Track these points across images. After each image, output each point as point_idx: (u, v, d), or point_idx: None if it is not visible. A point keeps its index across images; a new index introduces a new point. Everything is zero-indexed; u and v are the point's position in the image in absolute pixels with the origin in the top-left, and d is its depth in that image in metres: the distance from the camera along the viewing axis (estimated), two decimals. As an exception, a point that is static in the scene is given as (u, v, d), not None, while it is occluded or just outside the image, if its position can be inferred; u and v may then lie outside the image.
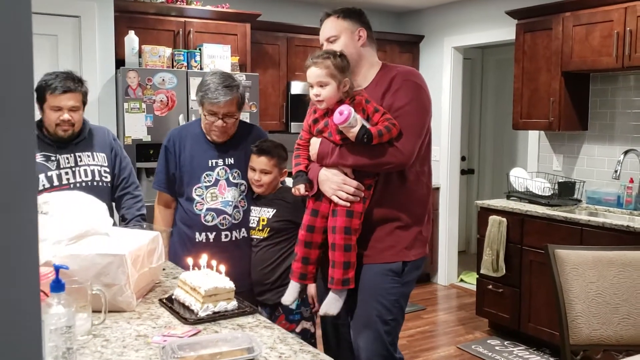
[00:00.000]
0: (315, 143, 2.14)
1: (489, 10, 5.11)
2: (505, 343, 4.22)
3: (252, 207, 2.64)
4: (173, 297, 1.99)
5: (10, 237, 0.67)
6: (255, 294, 2.58)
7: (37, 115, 2.69)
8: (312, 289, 2.40)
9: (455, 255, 5.82)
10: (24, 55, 0.68)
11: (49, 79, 2.58)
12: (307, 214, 2.18)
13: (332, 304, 2.13)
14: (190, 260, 2.02)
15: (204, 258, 2.00)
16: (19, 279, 0.69)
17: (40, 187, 2.57)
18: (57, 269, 1.40)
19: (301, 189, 2.15)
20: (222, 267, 1.96)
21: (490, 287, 4.32)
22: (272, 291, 2.54)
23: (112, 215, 2.78)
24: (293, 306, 2.44)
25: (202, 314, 1.82)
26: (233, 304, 1.89)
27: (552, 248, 2.39)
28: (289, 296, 2.22)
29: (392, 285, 2.16)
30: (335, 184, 2.08)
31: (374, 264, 2.15)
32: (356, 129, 1.97)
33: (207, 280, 1.89)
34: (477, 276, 4.45)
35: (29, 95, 0.68)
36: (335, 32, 2.18)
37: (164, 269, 2.38)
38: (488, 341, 4.26)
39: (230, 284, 1.90)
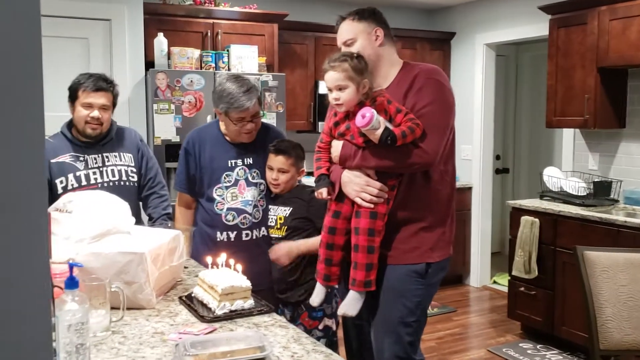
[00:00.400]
0: (337, 145, 2.12)
1: (522, 6, 5.01)
2: (538, 346, 4.12)
3: (269, 206, 2.66)
4: (192, 295, 2.00)
5: (19, 236, 0.70)
6: (277, 292, 2.59)
7: (68, 116, 2.76)
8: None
9: (488, 257, 5.72)
10: (33, 59, 0.71)
11: (82, 78, 2.67)
12: (328, 216, 2.16)
13: (351, 305, 2.11)
14: (209, 259, 2.03)
15: (222, 257, 2.01)
16: (28, 276, 0.72)
17: (69, 187, 2.63)
18: (71, 266, 1.42)
19: (324, 192, 2.12)
20: (239, 266, 1.96)
21: (523, 289, 4.23)
22: (293, 289, 2.55)
23: (139, 214, 2.84)
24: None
25: (218, 312, 1.83)
26: (250, 302, 1.89)
27: (581, 250, 2.32)
28: (316, 298, 2.21)
29: (416, 287, 2.13)
30: (358, 185, 2.05)
31: (398, 265, 2.12)
32: (379, 131, 1.94)
33: (224, 278, 1.89)
34: (509, 278, 4.36)
35: (39, 103, 0.71)
36: (352, 35, 2.15)
37: (186, 267, 2.40)
38: (520, 344, 4.17)
39: (247, 283, 1.90)
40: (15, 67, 0.69)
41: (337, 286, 2.32)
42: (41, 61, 0.71)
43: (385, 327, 2.15)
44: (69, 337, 1.35)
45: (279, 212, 2.61)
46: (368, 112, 1.93)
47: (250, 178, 2.65)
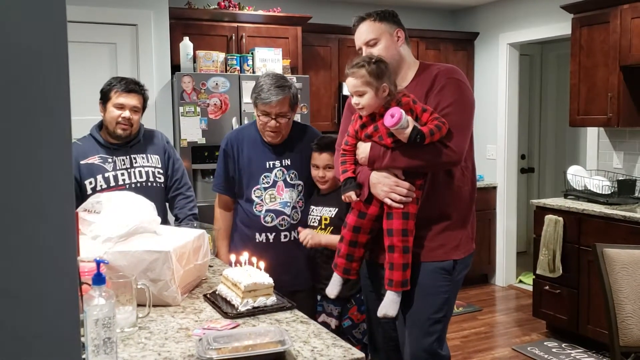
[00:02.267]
0: (364, 147, 2.13)
1: (544, 5, 4.98)
2: (563, 345, 4.10)
3: (312, 207, 2.67)
4: (217, 292, 2.06)
5: (48, 235, 0.75)
6: (323, 289, 2.62)
7: (96, 120, 2.85)
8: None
9: (514, 256, 5.69)
10: (59, 62, 0.73)
11: (114, 81, 2.78)
12: (353, 215, 2.18)
13: (390, 306, 2.11)
14: (232, 257, 2.09)
15: (245, 255, 2.06)
16: (57, 273, 0.78)
17: (98, 188, 2.71)
18: (98, 263, 1.49)
19: (352, 195, 2.13)
20: (262, 264, 2.02)
21: (547, 287, 4.21)
22: (342, 285, 2.55)
23: (165, 214, 2.91)
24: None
25: (242, 308, 1.88)
26: (272, 299, 1.94)
27: (601, 247, 2.32)
28: (333, 289, 2.24)
29: (445, 284, 2.16)
30: (388, 186, 2.07)
31: (426, 262, 2.15)
32: (409, 130, 1.97)
33: (247, 276, 1.95)
34: (534, 277, 4.34)
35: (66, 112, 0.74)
36: (375, 35, 2.16)
37: (211, 266, 2.46)
38: (545, 343, 4.16)
39: (269, 280, 1.95)
40: (43, 71, 0.72)
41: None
42: (67, 66, 0.74)
43: (414, 323, 2.17)
44: (97, 331, 1.42)
45: (324, 213, 2.63)
46: (397, 111, 1.95)
47: (288, 179, 2.66)
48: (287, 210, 2.65)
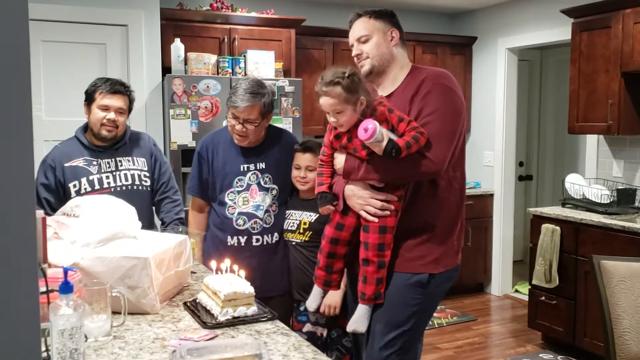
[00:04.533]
0: (340, 158, 2.06)
1: (544, 10, 4.91)
2: (559, 358, 4.01)
3: (291, 211, 2.64)
4: (197, 300, 1.98)
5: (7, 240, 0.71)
6: (303, 291, 2.56)
7: (83, 116, 2.78)
8: (334, 296, 2.37)
9: (510, 265, 5.61)
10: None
11: (99, 82, 2.72)
12: (331, 227, 2.11)
13: (361, 321, 2.05)
14: (213, 264, 2.02)
15: (226, 262, 1.99)
16: (15, 281, 0.73)
17: (82, 191, 2.65)
18: (65, 271, 1.41)
19: (329, 209, 2.09)
20: (243, 272, 1.94)
21: (543, 298, 4.13)
22: (323, 297, 2.49)
23: (152, 218, 2.84)
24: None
25: (221, 318, 1.81)
26: (253, 309, 1.86)
27: (598, 259, 2.25)
28: (313, 302, 2.18)
29: (415, 297, 2.06)
30: (362, 199, 2.00)
31: (400, 272, 2.06)
32: (383, 143, 1.89)
33: (227, 284, 1.87)
34: (529, 287, 4.26)
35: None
36: (367, 32, 2.10)
37: (194, 272, 2.38)
38: (540, 355, 4.07)
39: (250, 289, 1.87)
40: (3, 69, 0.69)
41: (335, 292, 2.31)
42: (28, 57, 0.71)
43: (374, 331, 2.09)
44: (63, 342, 1.34)
45: (304, 217, 2.60)
46: (370, 124, 1.86)
47: (262, 183, 2.64)
48: (260, 214, 2.61)
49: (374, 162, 1.96)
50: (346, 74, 1.95)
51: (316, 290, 2.17)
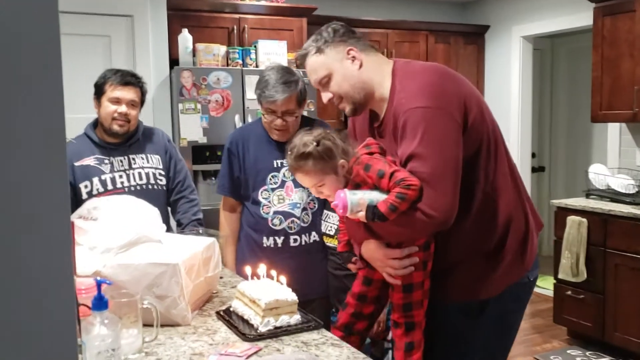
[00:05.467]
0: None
1: (561, -5, 4.77)
2: (587, 353, 3.87)
3: (329, 213, 2.43)
4: (231, 309, 1.82)
5: (38, 248, 0.62)
6: (337, 300, 2.39)
7: (90, 118, 2.62)
8: None
9: (527, 258, 5.46)
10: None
11: (109, 73, 2.56)
12: (358, 282, 1.87)
13: None
14: (248, 270, 1.85)
15: (262, 268, 1.82)
16: (49, 294, 0.65)
17: (94, 192, 2.50)
18: (99, 284, 1.24)
19: (355, 268, 1.87)
20: (283, 278, 1.77)
21: (570, 292, 3.99)
22: None
23: (167, 220, 2.68)
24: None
25: (262, 329, 1.64)
26: (296, 317, 1.70)
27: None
28: None
29: (466, 328, 1.78)
30: (380, 260, 1.72)
31: (444, 302, 1.77)
32: (362, 213, 1.61)
33: (267, 291, 1.71)
34: (555, 281, 4.12)
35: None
36: (324, 71, 1.72)
37: (221, 278, 2.22)
38: (568, 351, 3.93)
39: (293, 296, 1.71)
40: (34, 63, 0.63)
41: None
42: (59, 51, 0.65)
43: None
44: (99, 365, 1.17)
45: None
46: (340, 200, 1.61)
47: None
48: (297, 212, 2.44)
49: (370, 225, 1.69)
50: (314, 141, 1.68)
51: None
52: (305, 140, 1.70)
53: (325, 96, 1.77)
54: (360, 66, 1.72)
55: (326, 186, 1.71)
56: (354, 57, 1.71)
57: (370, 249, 1.74)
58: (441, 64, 1.84)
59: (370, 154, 1.69)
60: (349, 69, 1.71)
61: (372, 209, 1.59)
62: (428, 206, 1.56)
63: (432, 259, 1.72)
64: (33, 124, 0.63)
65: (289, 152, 1.73)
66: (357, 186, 1.67)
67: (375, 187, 1.64)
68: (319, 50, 1.73)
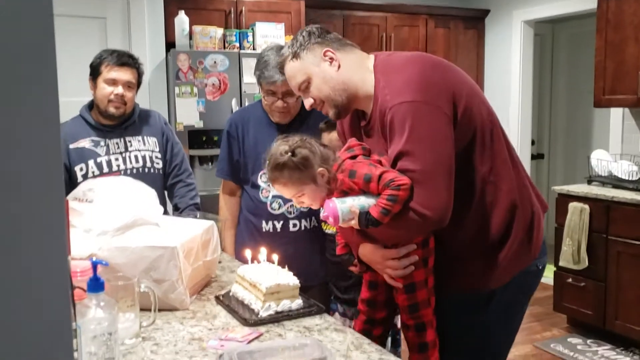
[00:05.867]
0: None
1: (564, -21, 4.70)
2: (588, 342, 3.85)
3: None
4: (231, 293, 1.77)
5: (30, 229, 0.60)
6: (337, 288, 2.34)
7: (85, 101, 2.56)
8: None
9: (526, 246, 5.43)
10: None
11: (105, 53, 2.51)
12: (365, 286, 1.80)
13: None
14: (248, 254, 1.79)
15: (263, 252, 1.77)
16: (42, 277, 0.62)
17: (90, 174, 2.46)
18: (94, 264, 1.18)
19: (356, 270, 1.79)
20: (286, 269, 1.72)
21: (570, 280, 3.95)
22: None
23: (164, 204, 2.62)
24: None
25: (263, 313, 1.59)
26: (298, 302, 1.65)
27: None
28: None
29: (472, 320, 1.72)
30: (378, 263, 1.67)
31: (450, 293, 1.72)
32: (355, 221, 1.55)
33: (268, 275, 1.66)
34: (555, 269, 4.08)
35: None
36: (302, 77, 1.67)
37: (220, 262, 2.17)
38: (568, 339, 3.90)
39: (294, 281, 1.66)
40: (27, 42, 0.60)
41: None
42: (52, 26, 0.62)
43: None
44: (94, 350, 1.12)
45: None
46: (329, 211, 1.54)
47: None
48: None
49: (365, 230, 1.61)
50: (288, 151, 1.61)
51: None
52: (280, 149, 1.63)
53: (307, 102, 1.70)
54: (339, 67, 1.64)
55: (306, 196, 1.64)
56: (331, 58, 1.64)
57: (368, 252, 1.67)
58: (426, 53, 1.76)
59: (354, 157, 1.62)
60: (328, 72, 1.64)
61: (364, 215, 1.53)
62: (421, 205, 1.49)
63: (433, 255, 1.66)
64: (25, 101, 0.60)
65: (267, 162, 1.66)
66: (345, 194, 1.60)
67: (364, 191, 1.57)
68: (295, 56, 1.67)
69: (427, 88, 1.53)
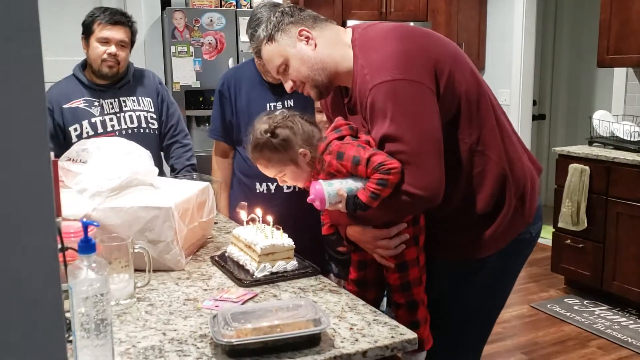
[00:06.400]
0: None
1: None
2: (585, 302, 3.87)
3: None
4: (226, 254, 1.77)
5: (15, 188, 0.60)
6: (331, 248, 2.33)
7: (82, 56, 2.52)
8: None
9: (525, 207, 5.42)
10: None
11: (97, 12, 2.47)
12: (353, 269, 1.78)
13: None
14: (243, 215, 1.78)
15: (258, 212, 1.75)
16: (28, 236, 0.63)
17: (84, 135, 2.44)
18: (85, 225, 1.16)
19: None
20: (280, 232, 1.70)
21: (569, 241, 3.96)
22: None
23: (160, 165, 2.60)
24: None
25: (258, 274, 1.59)
26: (293, 263, 1.65)
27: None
28: None
29: (462, 285, 1.71)
30: (368, 243, 1.63)
31: (440, 261, 1.70)
32: (343, 205, 1.52)
33: (263, 236, 1.65)
34: (553, 230, 4.08)
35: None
36: (279, 60, 1.62)
37: (216, 223, 2.16)
38: (565, 300, 3.93)
39: (289, 242, 1.66)
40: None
41: None
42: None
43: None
44: (86, 311, 1.11)
45: None
46: (315, 193, 1.50)
47: None
48: None
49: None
50: (267, 132, 1.57)
51: None
52: (261, 128, 1.59)
53: (288, 85, 1.65)
54: (316, 45, 1.59)
55: (287, 176, 1.62)
56: (307, 37, 1.59)
57: (357, 232, 1.63)
58: (404, 24, 1.69)
59: (341, 137, 1.57)
60: (304, 51, 1.59)
61: (352, 199, 1.50)
62: (413, 186, 1.46)
63: (424, 233, 1.64)
64: (6, 54, 0.59)
65: (247, 145, 1.64)
66: (332, 176, 1.56)
67: (352, 173, 1.53)
68: (270, 39, 1.62)
69: (407, 63, 1.47)
